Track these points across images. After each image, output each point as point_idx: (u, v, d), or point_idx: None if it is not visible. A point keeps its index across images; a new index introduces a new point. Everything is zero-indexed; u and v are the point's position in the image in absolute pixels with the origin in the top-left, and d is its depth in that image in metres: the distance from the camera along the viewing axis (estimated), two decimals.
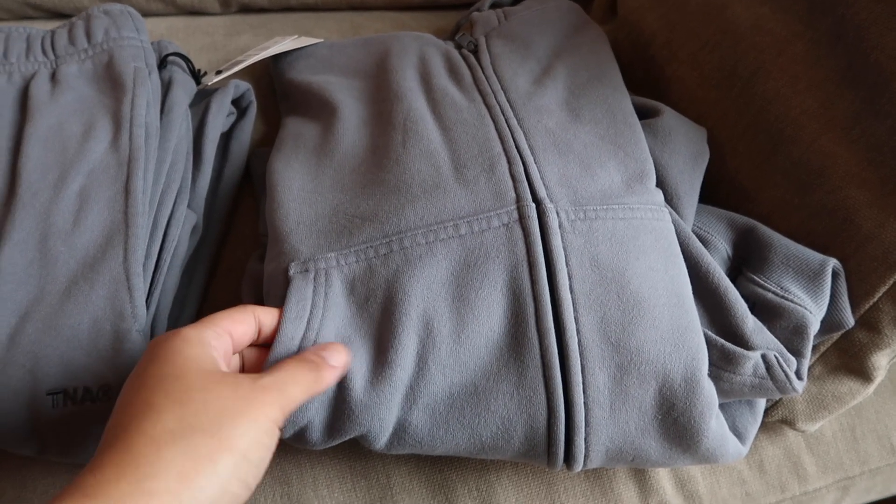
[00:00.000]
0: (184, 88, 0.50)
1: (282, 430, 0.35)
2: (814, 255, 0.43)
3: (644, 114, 0.50)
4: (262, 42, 0.62)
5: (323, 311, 0.37)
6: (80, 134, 0.45)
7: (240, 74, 0.56)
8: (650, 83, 0.58)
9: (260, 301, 0.42)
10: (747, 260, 0.45)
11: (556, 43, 0.53)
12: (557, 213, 0.39)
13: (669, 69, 0.56)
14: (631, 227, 0.40)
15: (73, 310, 0.39)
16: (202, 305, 0.48)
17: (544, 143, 0.43)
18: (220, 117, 0.51)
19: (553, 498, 0.46)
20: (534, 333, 0.37)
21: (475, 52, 0.52)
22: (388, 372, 0.36)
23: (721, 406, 0.42)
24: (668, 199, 0.45)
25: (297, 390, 0.32)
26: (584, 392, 0.36)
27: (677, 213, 0.44)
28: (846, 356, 0.46)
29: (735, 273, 0.45)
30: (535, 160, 0.42)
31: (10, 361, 0.38)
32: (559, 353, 0.36)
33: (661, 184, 0.45)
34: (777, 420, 0.47)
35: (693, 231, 0.45)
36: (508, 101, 0.47)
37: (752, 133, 0.50)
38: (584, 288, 0.37)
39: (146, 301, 0.41)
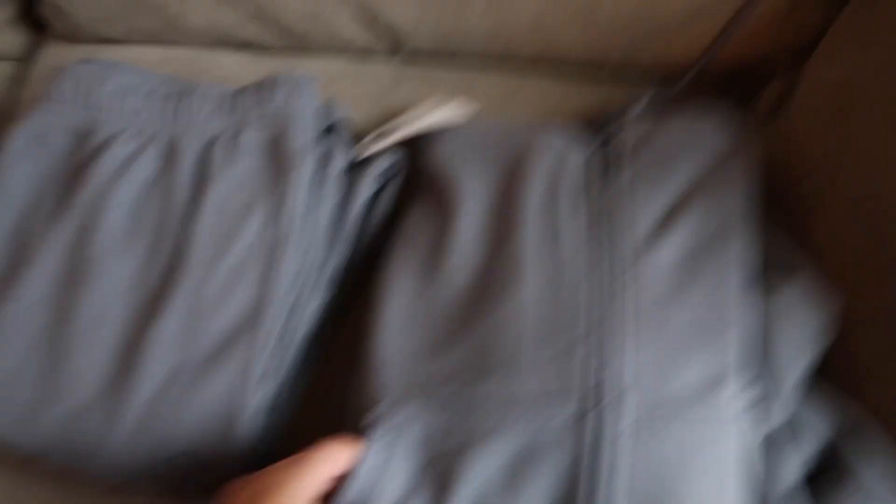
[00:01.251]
0: (341, 161, 0.54)
1: None
2: None
3: (775, 267, 0.48)
4: (421, 99, 0.64)
5: (391, 473, 0.41)
6: (242, 208, 0.50)
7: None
8: (790, 221, 0.54)
9: None
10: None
11: (696, 173, 0.50)
12: (619, 420, 0.40)
13: (815, 213, 0.52)
14: (696, 442, 0.39)
15: (203, 387, 0.45)
16: (314, 383, 0.52)
17: (637, 322, 0.43)
18: (365, 194, 0.54)
19: None
20: None
21: (615, 166, 0.51)
22: None
23: None
24: (771, 382, 0.44)
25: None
26: None
27: (777, 397, 0.43)
28: None
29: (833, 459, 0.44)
30: (619, 344, 0.42)
31: (146, 427, 0.45)
32: None
33: (766, 362, 0.44)
34: None
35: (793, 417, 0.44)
36: (622, 252, 0.46)
37: (881, 329, 0.46)
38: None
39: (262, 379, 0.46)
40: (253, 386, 0.45)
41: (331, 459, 0.39)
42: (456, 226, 0.50)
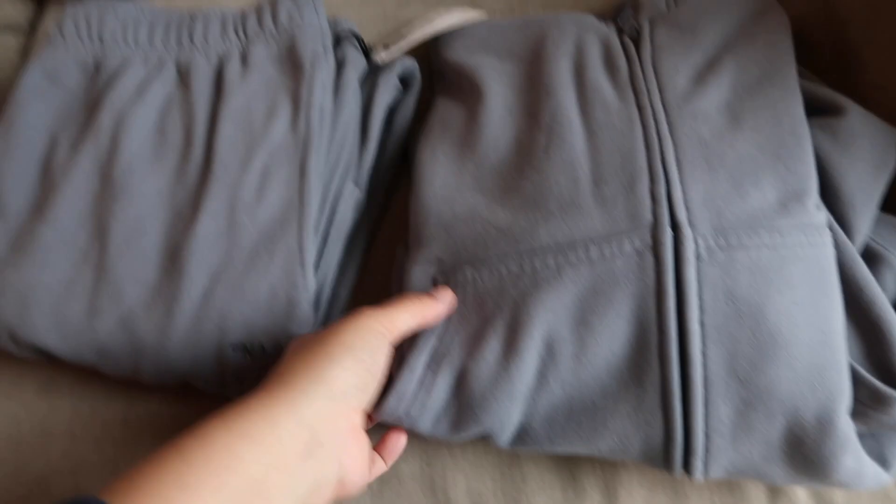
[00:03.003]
0: (355, 68, 0.54)
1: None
2: None
3: (825, 109, 0.46)
4: (429, 12, 0.64)
5: (455, 327, 0.41)
6: (264, 115, 0.50)
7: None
8: (841, 68, 0.52)
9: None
10: None
11: (729, 32, 0.49)
12: (696, 241, 0.38)
13: (866, 52, 0.51)
14: (778, 257, 0.38)
15: (255, 276, 0.45)
16: (362, 274, 0.52)
17: (693, 157, 0.41)
18: (386, 96, 0.54)
19: (676, 488, 0.47)
20: (655, 363, 0.37)
21: (636, 41, 0.50)
22: (508, 385, 0.38)
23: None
24: (842, 211, 0.42)
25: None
26: (705, 421, 0.37)
27: (850, 225, 0.41)
28: None
29: None
30: (680, 177, 0.40)
31: (204, 317, 0.45)
32: (683, 382, 0.37)
33: (835, 193, 0.42)
34: None
35: (868, 243, 0.42)
36: (663, 102, 0.45)
37: None
38: (715, 321, 0.37)
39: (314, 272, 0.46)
40: (306, 273, 0.45)
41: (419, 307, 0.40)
42: (486, 105, 0.49)
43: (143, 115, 0.51)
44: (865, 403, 0.37)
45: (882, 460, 0.40)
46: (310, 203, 0.46)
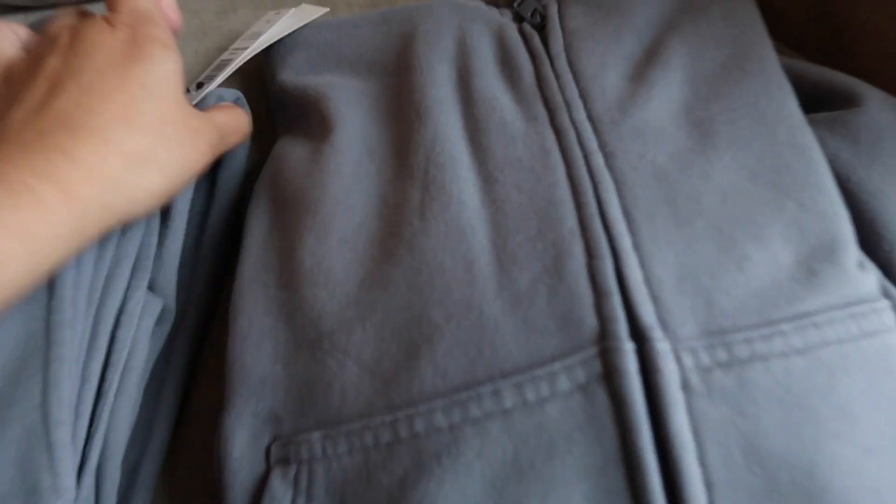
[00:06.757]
0: None
1: None
2: None
3: (830, 100, 0.31)
4: (257, 22, 0.46)
5: None
6: None
7: (229, 78, 0.41)
8: (830, 44, 0.38)
9: None
10: None
11: (670, 5, 0.34)
12: (678, 359, 0.22)
13: (859, 15, 0.36)
14: (822, 369, 0.22)
15: None
16: (176, 431, 0.34)
17: (650, 202, 0.26)
18: None
19: None
20: None
21: (542, 30, 0.35)
22: None
23: None
24: (885, 255, 0.27)
25: None
26: None
27: None
28: None
29: None
30: (633, 241, 0.25)
31: None
32: None
33: (870, 226, 0.27)
34: None
35: None
36: (591, 118, 0.29)
37: None
38: (732, 497, 0.21)
39: (82, 456, 0.28)
40: (54, 465, 0.27)
41: None
42: (335, 147, 0.32)
43: None
44: None
45: None
46: (62, 339, 0.28)
